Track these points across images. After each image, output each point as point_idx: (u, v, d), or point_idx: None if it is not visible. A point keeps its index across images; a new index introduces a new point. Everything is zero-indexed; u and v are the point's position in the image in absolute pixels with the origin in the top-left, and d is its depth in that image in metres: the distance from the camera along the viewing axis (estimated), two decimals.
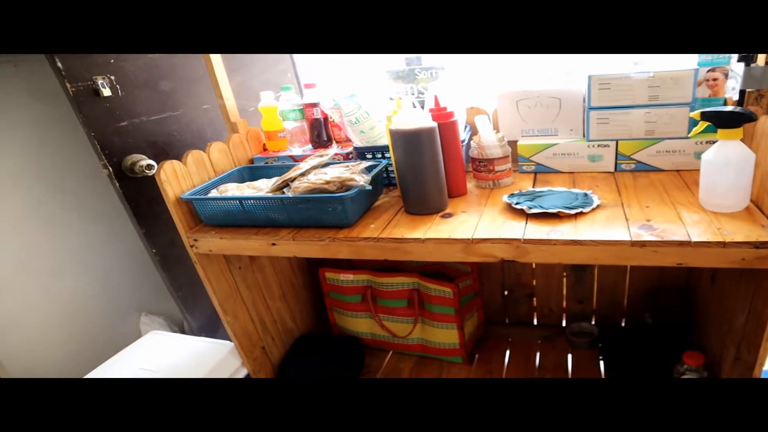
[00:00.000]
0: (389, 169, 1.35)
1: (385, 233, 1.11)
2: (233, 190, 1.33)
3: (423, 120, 1.10)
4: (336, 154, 1.41)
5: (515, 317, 1.80)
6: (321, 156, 1.30)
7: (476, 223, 1.09)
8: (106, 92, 1.42)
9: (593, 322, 1.68)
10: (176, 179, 1.26)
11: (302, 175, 1.19)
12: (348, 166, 1.25)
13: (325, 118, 1.49)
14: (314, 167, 1.23)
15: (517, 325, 1.80)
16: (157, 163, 1.47)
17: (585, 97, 1.28)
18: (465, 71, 1.50)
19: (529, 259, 1.03)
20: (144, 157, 1.52)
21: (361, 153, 1.37)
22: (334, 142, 1.55)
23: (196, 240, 1.27)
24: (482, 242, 1.03)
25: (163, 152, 1.55)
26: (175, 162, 1.26)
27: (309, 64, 1.85)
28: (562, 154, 1.32)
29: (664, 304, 1.53)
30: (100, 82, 1.41)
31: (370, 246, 1.11)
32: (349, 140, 1.49)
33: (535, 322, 1.78)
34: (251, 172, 1.46)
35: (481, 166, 1.28)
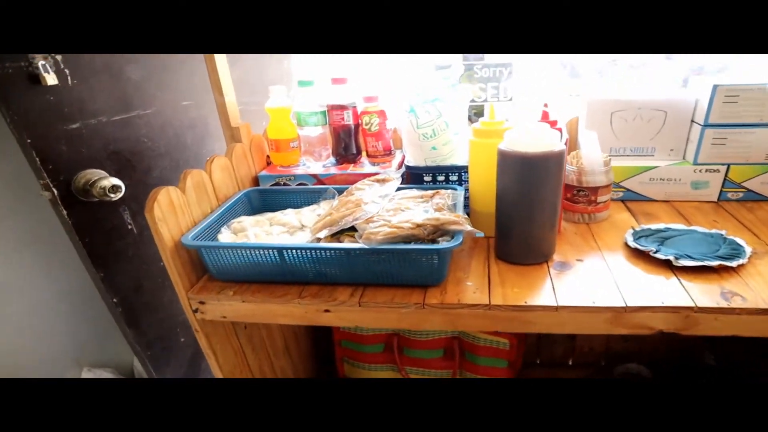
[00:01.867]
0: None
1: (498, 297, 0.81)
2: (252, 227, 0.96)
3: (550, 141, 0.80)
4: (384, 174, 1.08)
5: (548, 357, 1.56)
6: (381, 180, 0.97)
7: (611, 279, 0.83)
8: (50, 79, 0.97)
9: (641, 363, 1.49)
10: (173, 214, 0.88)
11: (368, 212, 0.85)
12: (424, 197, 0.93)
13: (357, 125, 1.15)
14: (380, 197, 0.90)
15: (550, 366, 1.57)
16: (123, 183, 1.06)
17: (696, 110, 1.05)
18: (536, 69, 1.21)
19: (698, 331, 0.78)
20: (103, 174, 1.09)
21: (414, 173, 1.05)
22: (363, 154, 1.21)
23: (202, 303, 0.89)
24: (640, 311, 0.76)
25: (128, 166, 1.13)
26: (171, 190, 0.87)
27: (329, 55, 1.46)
28: (660, 179, 1.09)
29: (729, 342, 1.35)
30: (40, 63, 0.96)
31: (477, 315, 0.81)
32: (386, 153, 1.16)
33: (571, 362, 1.56)
34: (260, 197, 1.10)
35: (580, 195, 1.01)
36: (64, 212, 1.05)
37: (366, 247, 0.79)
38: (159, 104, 1.17)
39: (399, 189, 0.99)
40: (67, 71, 0.99)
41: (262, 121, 1.20)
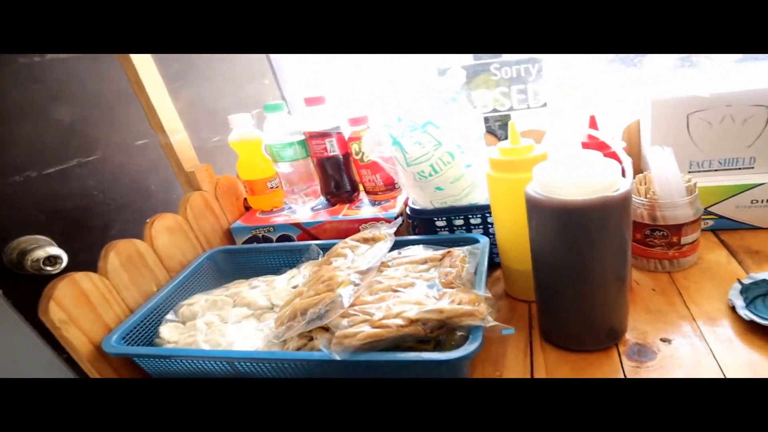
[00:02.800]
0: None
1: None
2: (204, 313, 0.72)
3: (608, 177, 0.51)
4: (376, 221, 0.82)
5: None
6: (367, 239, 0.70)
7: (718, 373, 0.54)
8: None
9: None
10: (89, 310, 0.65)
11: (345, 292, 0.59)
12: (430, 261, 0.67)
13: (346, 154, 0.89)
14: (364, 271, 0.63)
15: None
16: (70, 250, 0.85)
17: None
18: (574, 63, 0.91)
19: None
20: (41, 240, 0.87)
21: (422, 218, 0.78)
22: (361, 190, 0.95)
23: None
24: None
25: (77, 227, 0.91)
26: (82, 277, 0.65)
27: (298, 64, 1.19)
28: (766, 200, 0.77)
29: None
30: None
31: None
32: (389, 188, 0.89)
33: None
34: (230, 258, 0.85)
35: (655, 236, 0.71)
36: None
37: (337, 357, 0.54)
38: (104, 148, 0.94)
39: (400, 246, 0.72)
40: None
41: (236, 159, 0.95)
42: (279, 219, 0.89)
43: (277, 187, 0.93)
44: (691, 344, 0.60)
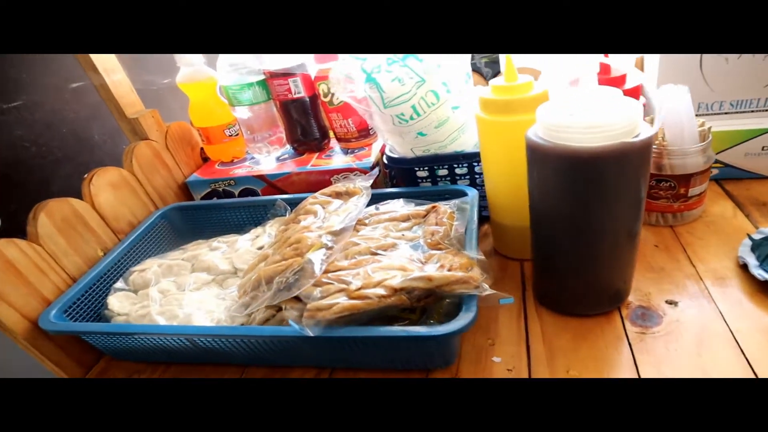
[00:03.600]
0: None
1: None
2: (158, 280, 0.63)
3: (627, 120, 0.43)
4: (349, 172, 0.73)
5: None
6: (340, 192, 0.62)
7: (729, 338, 0.49)
8: None
9: None
10: (19, 282, 0.57)
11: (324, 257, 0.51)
12: (414, 217, 0.59)
13: (313, 96, 0.79)
14: (339, 231, 0.55)
15: None
16: (10, 208, 0.76)
17: None
18: None
19: None
20: None
21: (401, 168, 0.70)
22: (331, 137, 0.85)
23: None
24: None
25: (8, 184, 0.80)
26: (4, 245, 0.55)
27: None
28: None
29: None
30: None
31: None
32: (363, 134, 0.80)
33: None
34: (187, 215, 0.76)
35: (661, 187, 0.65)
36: None
37: (310, 334, 0.46)
38: (32, 92, 0.82)
39: (378, 200, 0.64)
40: None
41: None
42: (240, 171, 0.80)
43: (236, 134, 0.83)
44: (698, 306, 0.54)
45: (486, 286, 0.47)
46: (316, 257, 0.50)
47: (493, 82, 0.56)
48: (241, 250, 0.66)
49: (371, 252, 0.54)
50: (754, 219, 0.66)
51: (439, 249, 0.54)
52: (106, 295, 0.62)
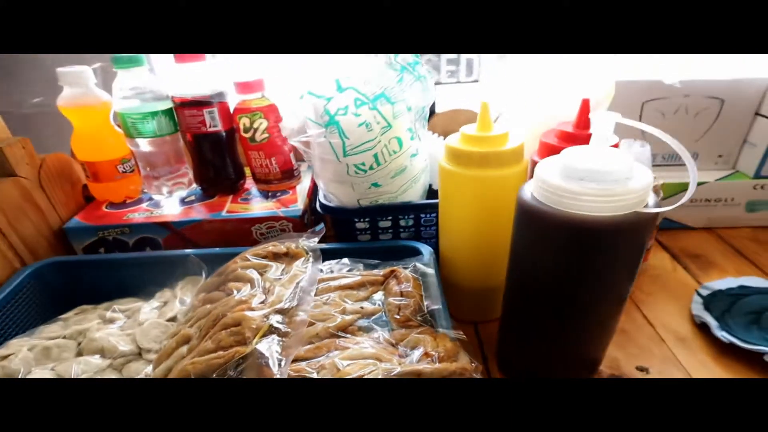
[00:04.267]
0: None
1: None
2: (33, 367, 0.48)
3: (642, 188, 0.38)
4: (275, 221, 0.63)
5: None
6: (280, 253, 0.51)
7: None
8: None
9: None
10: None
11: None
12: (369, 283, 0.50)
13: (230, 130, 0.68)
14: (284, 304, 0.45)
15: None
16: None
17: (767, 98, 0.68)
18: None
19: None
20: None
21: (340, 219, 0.61)
22: (245, 176, 0.74)
23: None
24: None
25: None
26: None
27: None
28: (705, 200, 0.73)
29: None
30: None
31: None
32: (286, 176, 0.70)
33: None
34: (68, 275, 0.60)
35: None
36: None
37: None
38: None
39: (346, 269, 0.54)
40: None
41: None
42: (137, 216, 0.65)
43: (132, 171, 0.69)
44: (669, 373, 0.52)
45: (479, 378, 0.40)
46: (265, 347, 0.40)
47: (464, 130, 0.49)
48: (146, 323, 0.53)
49: (331, 334, 0.44)
50: (693, 272, 0.67)
51: (410, 326, 0.45)
52: None
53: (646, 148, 0.57)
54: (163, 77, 0.64)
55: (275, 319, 0.42)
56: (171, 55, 0.63)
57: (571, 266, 0.41)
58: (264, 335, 0.41)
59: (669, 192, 0.71)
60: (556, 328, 0.46)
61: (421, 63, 0.55)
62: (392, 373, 0.38)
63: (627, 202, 0.37)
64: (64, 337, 0.52)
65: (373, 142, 0.51)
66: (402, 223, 0.61)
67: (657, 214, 0.40)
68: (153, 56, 0.67)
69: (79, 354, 0.51)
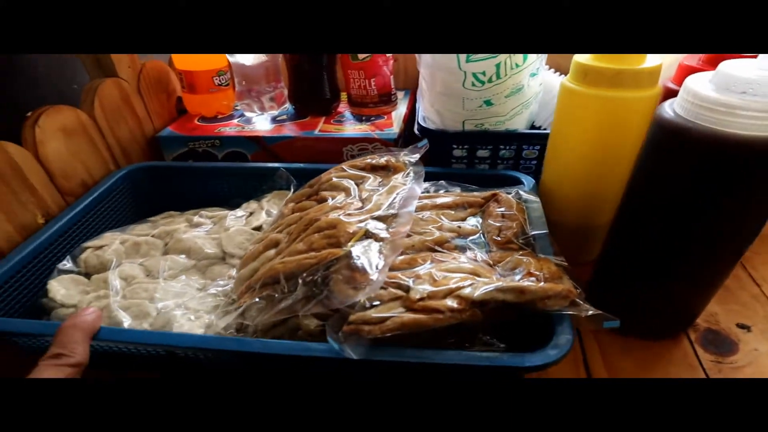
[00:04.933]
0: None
1: None
2: (123, 259, 0.48)
3: None
4: (368, 143, 0.60)
5: None
6: (381, 165, 0.48)
7: None
8: None
9: None
10: None
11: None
12: (469, 204, 0.46)
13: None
14: (383, 213, 0.41)
15: None
16: None
17: None
18: None
19: None
20: None
21: (438, 142, 0.56)
22: (341, 100, 0.71)
23: None
24: None
25: None
26: None
27: None
28: None
29: None
30: None
31: None
32: (383, 100, 0.66)
33: None
34: (158, 179, 0.60)
35: None
36: None
37: (353, 356, 0.32)
38: None
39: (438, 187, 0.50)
40: None
41: None
42: (229, 130, 0.64)
43: (227, 84, 0.67)
44: None
45: (587, 305, 0.35)
46: (364, 251, 0.37)
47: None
48: (232, 229, 0.51)
49: (428, 247, 0.40)
50: None
51: (509, 249, 0.41)
52: (47, 279, 0.46)
53: None
54: None
55: (373, 225, 0.39)
56: None
57: (706, 196, 0.35)
58: (360, 240, 0.38)
59: None
60: (662, 271, 0.41)
61: None
62: (492, 287, 0.34)
63: None
64: (153, 236, 0.51)
65: (485, 66, 0.47)
66: (502, 153, 0.56)
67: None
68: None
69: (166, 253, 0.50)
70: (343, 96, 0.70)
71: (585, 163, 0.47)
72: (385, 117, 0.66)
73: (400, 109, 0.68)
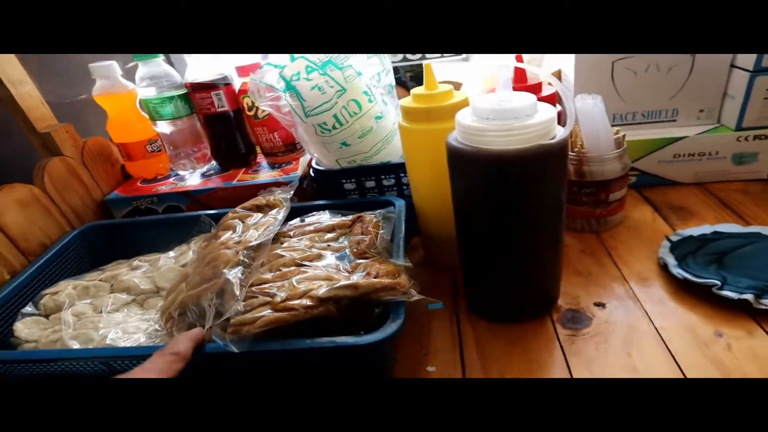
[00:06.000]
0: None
1: None
2: (75, 300, 0.60)
3: (543, 123, 0.44)
4: (273, 187, 0.72)
5: None
6: (259, 205, 0.60)
7: (655, 336, 0.52)
8: None
9: None
10: None
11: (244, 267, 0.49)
12: (339, 227, 0.58)
13: (238, 110, 0.77)
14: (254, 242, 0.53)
15: None
16: None
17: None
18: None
19: None
20: None
21: (327, 180, 0.69)
22: (257, 151, 0.83)
23: None
24: None
25: None
26: None
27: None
28: (689, 154, 0.75)
29: None
30: None
31: None
32: (289, 148, 0.79)
33: None
34: (107, 235, 0.72)
35: (582, 194, 0.67)
36: None
37: (235, 351, 0.44)
38: None
39: (303, 212, 0.63)
40: None
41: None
42: (164, 188, 0.77)
43: (159, 150, 0.80)
44: (625, 307, 0.56)
45: (414, 292, 0.47)
46: (233, 275, 0.48)
47: (414, 90, 0.56)
48: (163, 268, 0.63)
49: (296, 263, 0.52)
50: (672, 222, 0.70)
51: (366, 258, 0.53)
52: (13, 322, 0.57)
53: (597, 100, 0.62)
54: (176, 66, 0.75)
55: (243, 254, 0.51)
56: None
57: (494, 199, 0.48)
58: (233, 266, 0.50)
59: (649, 147, 0.75)
60: (498, 264, 0.52)
61: None
62: (334, 286, 0.46)
63: (529, 135, 0.43)
64: (101, 280, 0.63)
65: (330, 104, 0.60)
66: (385, 182, 0.69)
67: (565, 145, 0.46)
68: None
69: (111, 292, 0.62)
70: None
71: (429, 184, 0.59)
72: (293, 162, 0.79)
73: (307, 155, 0.81)
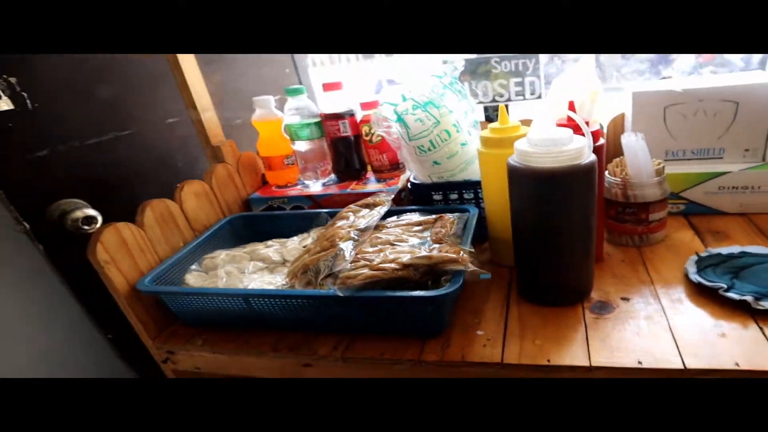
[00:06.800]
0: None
1: (513, 352, 0.63)
2: (225, 264, 0.82)
3: (575, 149, 0.61)
4: (375, 196, 0.92)
5: None
6: (369, 203, 0.80)
7: (665, 328, 0.63)
8: (4, 105, 0.87)
9: None
10: (126, 255, 0.75)
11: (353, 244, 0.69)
12: (425, 224, 0.76)
13: (357, 136, 0.99)
14: (366, 229, 0.73)
15: None
16: (101, 214, 0.95)
17: None
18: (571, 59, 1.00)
19: None
20: (79, 203, 0.98)
21: (421, 191, 0.88)
22: (368, 169, 1.05)
23: (171, 353, 0.76)
24: (705, 375, 0.56)
25: (110, 194, 1.02)
26: (123, 226, 0.75)
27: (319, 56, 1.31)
28: (733, 187, 0.86)
29: None
30: None
31: (489, 372, 0.63)
32: (394, 169, 0.99)
33: None
34: (248, 223, 0.96)
35: (626, 213, 0.80)
36: (40, 247, 0.95)
37: (339, 294, 0.63)
38: (139, 124, 1.05)
39: (399, 213, 0.82)
40: (25, 94, 0.89)
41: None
42: (293, 192, 0.99)
43: (293, 164, 1.03)
44: (645, 302, 0.68)
45: (470, 264, 0.64)
46: (346, 246, 0.68)
47: (490, 125, 0.74)
48: (290, 246, 0.84)
49: (390, 243, 0.71)
50: (707, 242, 0.81)
51: (440, 243, 0.71)
52: (184, 274, 0.80)
53: (639, 137, 0.76)
54: (315, 100, 0.98)
55: (354, 233, 0.71)
56: (321, 85, 0.97)
57: (538, 206, 0.64)
58: (346, 241, 0.70)
59: (696, 180, 0.86)
60: (540, 258, 0.68)
61: (458, 81, 0.82)
62: (414, 256, 0.64)
63: (565, 157, 0.59)
64: (244, 252, 0.86)
65: (427, 131, 0.79)
66: (465, 196, 0.86)
67: (594, 165, 0.61)
68: (308, 86, 1.02)
69: (251, 261, 0.84)
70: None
71: (498, 197, 0.74)
72: (395, 179, 0.98)
73: (406, 174, 1.01)
